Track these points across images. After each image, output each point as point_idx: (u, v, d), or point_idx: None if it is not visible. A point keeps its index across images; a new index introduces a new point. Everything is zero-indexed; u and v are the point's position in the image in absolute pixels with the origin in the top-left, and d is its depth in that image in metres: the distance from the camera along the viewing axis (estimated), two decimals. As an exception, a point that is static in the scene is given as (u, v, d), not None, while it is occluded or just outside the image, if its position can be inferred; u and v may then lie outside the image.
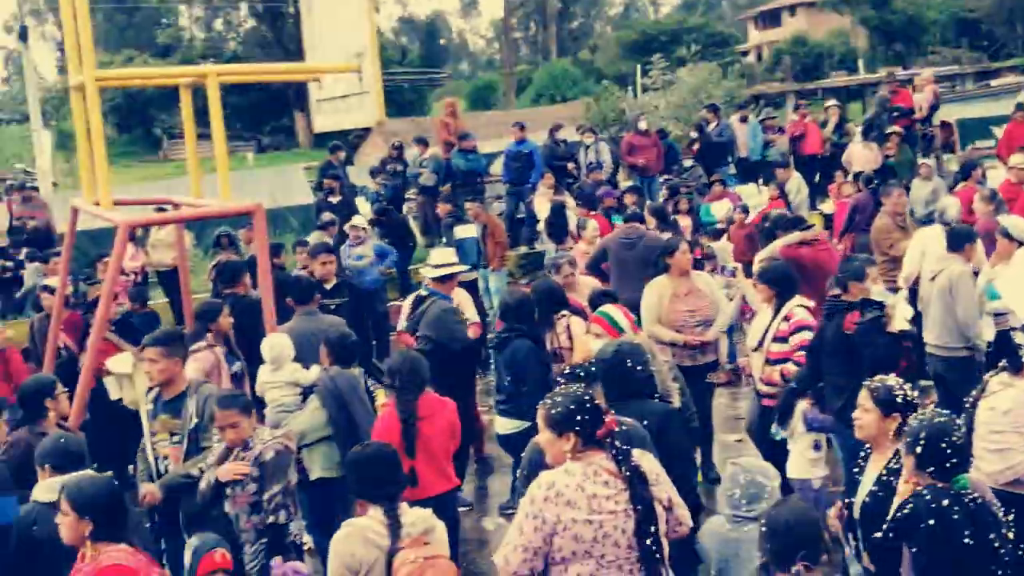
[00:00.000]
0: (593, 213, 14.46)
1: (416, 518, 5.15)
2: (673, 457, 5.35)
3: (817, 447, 7.34)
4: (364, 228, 14.25)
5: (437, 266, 9.95)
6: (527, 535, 4.49)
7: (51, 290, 10.92)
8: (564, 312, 8.75)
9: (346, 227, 14.32)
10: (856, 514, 5.37)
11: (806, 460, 7.33)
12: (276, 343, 8.04)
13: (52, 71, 56.07)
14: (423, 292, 9.84)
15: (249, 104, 36.80)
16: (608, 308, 7.82)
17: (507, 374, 8.23)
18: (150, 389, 7.16)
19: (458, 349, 9.29)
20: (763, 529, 4.47)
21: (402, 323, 10.43)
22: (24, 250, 15.94)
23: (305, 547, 7.56)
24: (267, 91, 36.69)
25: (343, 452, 6.96)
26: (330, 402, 7.36)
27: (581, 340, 8.13)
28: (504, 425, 8.30)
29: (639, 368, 5.80)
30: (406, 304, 10.51)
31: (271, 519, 6.24)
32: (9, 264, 15.95)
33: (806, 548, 4.31)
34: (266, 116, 39.26)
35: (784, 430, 7.42)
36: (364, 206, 18.22)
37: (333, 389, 7.42)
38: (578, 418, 4.62)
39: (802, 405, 7.27)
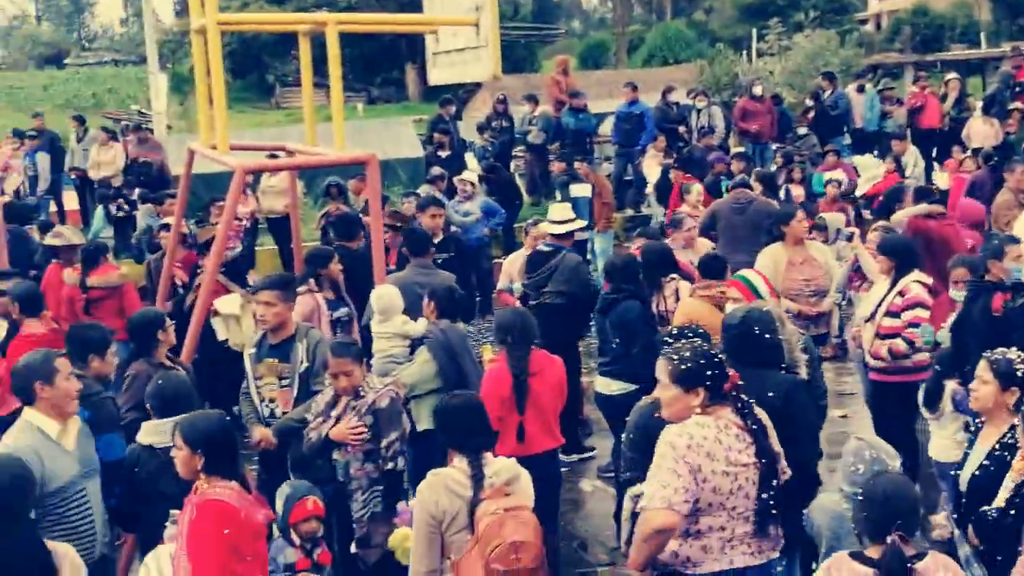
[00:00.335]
0: (687, 177, 14.33)
1: (500, 468, 5.16)
2: (799, 429, 5.25)
3: (967, 429, 7.12)
4: (472, 183, 14.29)
5: (558, 222, 9.91)
6: (684, 477, 4.45)
7: (170, 228, 11.08)
8: (674, 275, 8.66)
9: (455, 179, 14.38)
10: (963, 487, 5.26)
11: (955, 442, 7.11)
12: (385, 294, 8.06)
13: (169, 14, 56.79)
14: (543, 248, 9.79)
15: (361, 55, 36.85)
16: (748, 272, 7.69)
17: (614, 335, 8.14)
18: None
19: (590, 301, 9.21)
20: (859, 499, 4.42)
21: (505, 281, 10.42)
22: (137, 190, 16.24)
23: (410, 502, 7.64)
24: (379, 42, 36.69)
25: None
26: (441, 354, 7.37)
27: (685, 303, 8.03)
28: (609, 386, 8.19)
29: (767, 336, 5.67)
30: (513, 262, 10.47)
31: (389, 466, 6.29)
32: (126, 206, 16.26)
33: (902, 519, 4.23)
34: (377, 67, 39.29)
35: (932, 413, 7.23)
36: (472, 162, 18.24)
37: (444, 342, 7.43)
38: (708, 372, 4.65)
39: (951, 386, 7.07)
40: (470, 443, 5.16)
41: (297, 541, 5.88)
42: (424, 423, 7.30)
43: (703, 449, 4.49)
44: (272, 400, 7.04)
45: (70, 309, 9.95)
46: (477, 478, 5.04)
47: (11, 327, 8.06)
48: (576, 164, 14.97)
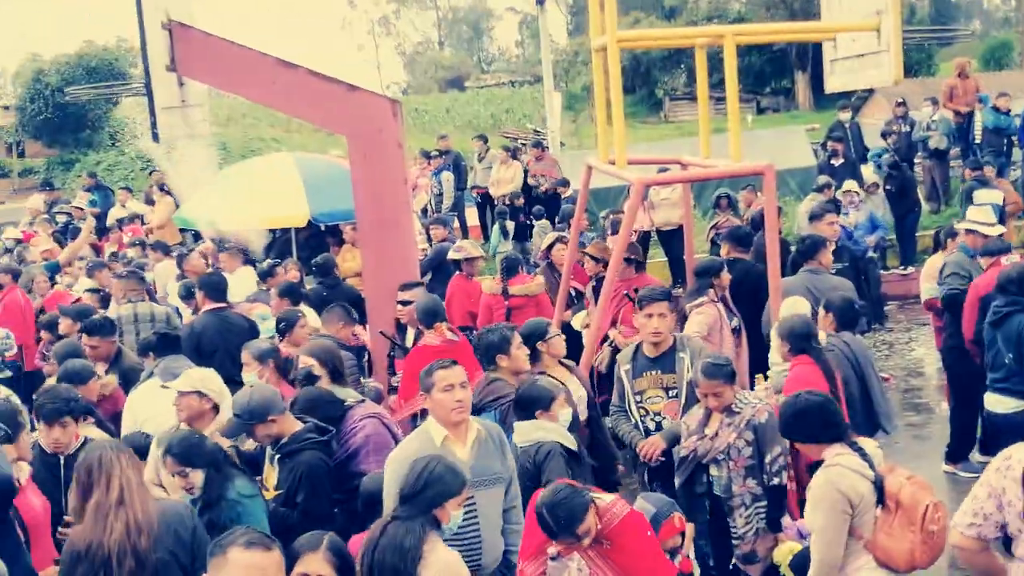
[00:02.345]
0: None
1: (869, 447, 5.34)
2: None
3: None
4: (858, 193, 14.07)
5: (982, 223, 9.71)
6: None
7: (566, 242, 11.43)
8: None
9: (839, 193, 14.16)
10: None
11: None
12: (793, 305, 7.95)
13: (563, 35, 58.69)
14: None
15: (749, 65, 36.74)
16: None
17: (1008, 350, 7.75)
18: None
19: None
20: None
21: (924, 287, 10.08)
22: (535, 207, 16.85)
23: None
24: (768, 52, 36.47)
25: (853, 416, 6.85)
26: (844, 365, 7.18)
27: None
28: (1001, 403, 7.90)
29: None
30: (932, 266, 10.11)
31: (774, 481, 6.24)
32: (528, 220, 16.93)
33: None
34: (766, 77, 39.07)
35: None
36: (867, 171, 17.76)
37: (848, 354, 7.28)
38: None
39: None
40: (844, 431, 5.32)
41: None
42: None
43: None
44: (658, 412, 7.07)
45: (489, 316, 10.47)
46: (867, 458, 5.18)
47: (417, 334, 8.69)
48: (986, 169, 14.33)
